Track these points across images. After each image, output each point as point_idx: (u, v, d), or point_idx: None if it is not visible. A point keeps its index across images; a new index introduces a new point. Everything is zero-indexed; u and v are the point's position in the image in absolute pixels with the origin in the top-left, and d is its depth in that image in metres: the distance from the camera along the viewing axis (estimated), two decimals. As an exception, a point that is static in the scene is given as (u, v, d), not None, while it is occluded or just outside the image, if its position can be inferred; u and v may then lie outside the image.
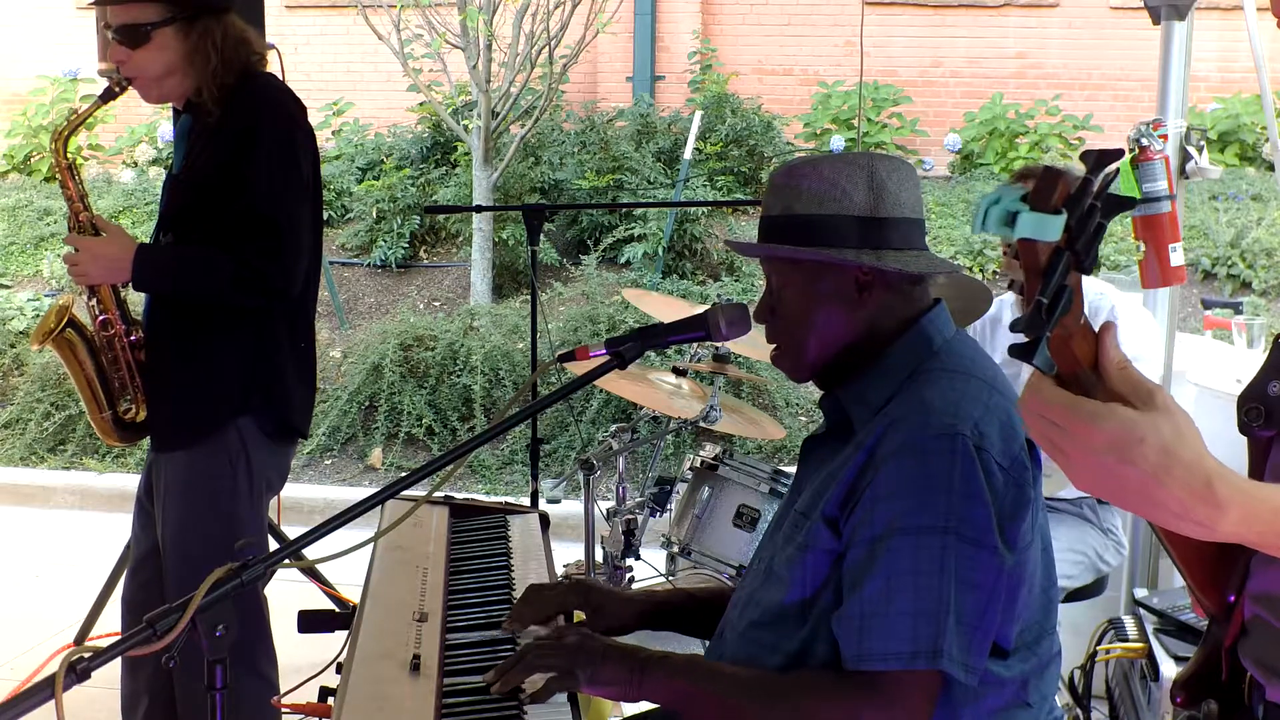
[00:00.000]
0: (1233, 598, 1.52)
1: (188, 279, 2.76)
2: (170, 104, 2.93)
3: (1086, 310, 3.91)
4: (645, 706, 2.02)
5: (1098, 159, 1.08)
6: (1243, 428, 1.49)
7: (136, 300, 2.94)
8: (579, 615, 2.05)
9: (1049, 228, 1.06)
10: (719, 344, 3.18)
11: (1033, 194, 1.07)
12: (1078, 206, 1.06)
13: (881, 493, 1.66)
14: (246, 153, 2.70)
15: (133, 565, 3.05)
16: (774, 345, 1.91)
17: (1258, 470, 1.51)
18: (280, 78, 3.04)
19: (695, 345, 3.77)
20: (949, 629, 1.61)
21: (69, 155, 2.89)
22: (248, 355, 2.79)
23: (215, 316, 2.77)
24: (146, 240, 2.92)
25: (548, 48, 7.65)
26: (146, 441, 2.97)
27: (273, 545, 3.67)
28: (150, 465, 2.96)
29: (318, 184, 2.88)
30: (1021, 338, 1.09)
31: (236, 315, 2.77)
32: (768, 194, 1.87)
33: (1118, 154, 1.11)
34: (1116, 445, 1.08)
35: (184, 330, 2.80)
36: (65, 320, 2.85)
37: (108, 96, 2.85)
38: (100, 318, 2.86)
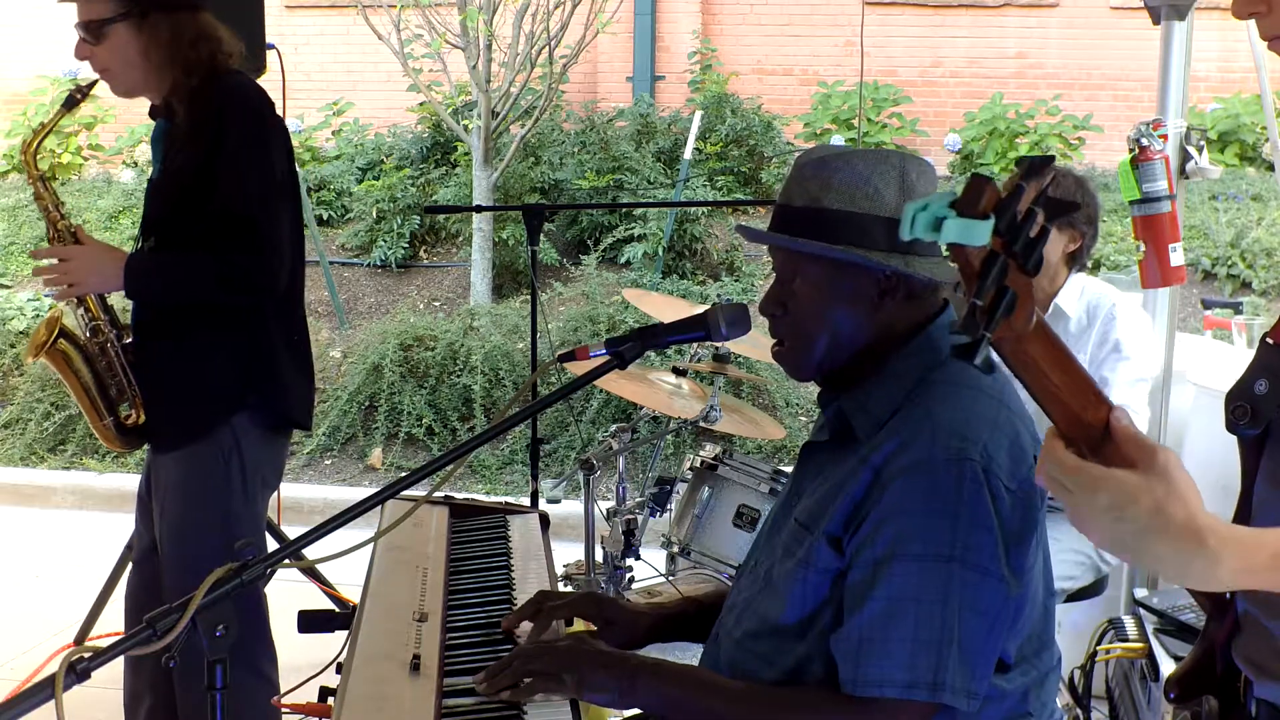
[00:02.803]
0: (1229, 594, 1.52)
1: (175, 284, 2.77)
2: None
3: (1086, 311, 3.86)
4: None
5: (1029, 166, 1.11)
6: (1230, 426, 1.50)
7: (123, 302, 2.94)
8: (580, 625, 2.04)
9: (976, 233, 1.08)
10: (719, 344, 3.18)
11: (959, 200, 1.09)
12: (1007, 210, 1.07)
13: (887, 514, 1.63)
14: (217, 153, 2.70)
15: (135, 562, 3.06)
16: (778, 341, 1.85)
17: (1251, 469, 1.52)
18: (281, 77, 3.04)
19: (695, 345, 3.77)
20: (951, 659, 1.58)
21: (40, 167, 2.89)
22: (240, 353, 2.80)
23: (204, 316, 2.78)
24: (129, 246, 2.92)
25: (548, 48, 7.65)
26: None
27: (273, 545, 3.68)
28: (149, 463, 2.96)
29: (294, 178, 2.88)
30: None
31: (225, 314, 2.78)
32: (792, 181, 1.80)
33: (1049, 159, 1.14)
34: (1113, 506, 1.17)
35: (174, 331, 2.81)
36: (57, 332, 2.84)
37: (71, 104, 2.88)
38: (90, 325, 2.86)
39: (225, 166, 2.69)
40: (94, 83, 2.89)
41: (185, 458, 2.82)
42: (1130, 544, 1.18)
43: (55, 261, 2.80)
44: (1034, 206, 1.08)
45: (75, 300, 2.85)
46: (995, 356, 1.13)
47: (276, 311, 2.84)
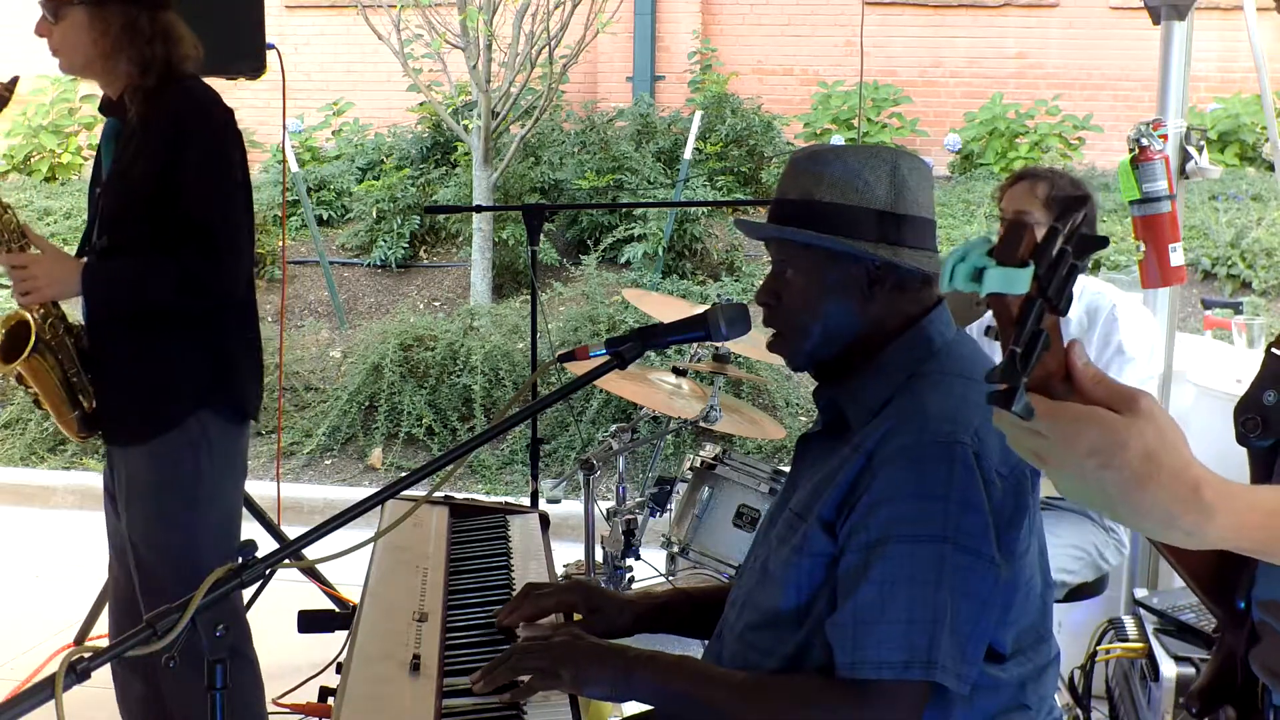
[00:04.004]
0: (1242, 604, 1.52)
1: (135, 291, 2.76)
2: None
3: (1086, 310, 3.88)
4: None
5: (1064, 206, 1.08)
6: (1241, 439, 1.48)
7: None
8: (579, 616, 2.05)
9: (1017, 281, 1.06)
10: (719, 344, 3.18)
11: (998, 249, 1.07)
12: (1045, 256, 1.06)
13: (878, 498, 1.65)
14: (177, 159, 2.69)
15: (112, 561, 3.05)
16: (772, 331, 1.88)
17: (1261, 480, 1.50)
18: (281, 77, 3.04)
19: (695, 345, 3.77)
20: (943, 639, 1.60)
21: None
22: (204, 349, 2.80)
23: (163, 314, 2.77)
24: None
25: (548, 48, 7.65)
26: None
27: (273, 545, 3.67)
28: (111, 461, 2.94)
29: (247, 183, 2.88)
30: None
31: (184, 313, 2.78)
32: (786, 176, 1.84)
33: (1082, 201, 1.11)
34: (1098, 450, 1.06)
35: (137, 325, 2.79)
36: (31, 338, 2.82)
37: None
38: (48, 321, 2.84)
39: (186, 174, 2.69)
40: (15, 80, 2.94)
41: (151, 452, 2.81)
42: (1114, 495, 1.07)
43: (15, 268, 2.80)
44: (1066, 246, 1.06)
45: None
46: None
47: (235, 311, 2.85)
